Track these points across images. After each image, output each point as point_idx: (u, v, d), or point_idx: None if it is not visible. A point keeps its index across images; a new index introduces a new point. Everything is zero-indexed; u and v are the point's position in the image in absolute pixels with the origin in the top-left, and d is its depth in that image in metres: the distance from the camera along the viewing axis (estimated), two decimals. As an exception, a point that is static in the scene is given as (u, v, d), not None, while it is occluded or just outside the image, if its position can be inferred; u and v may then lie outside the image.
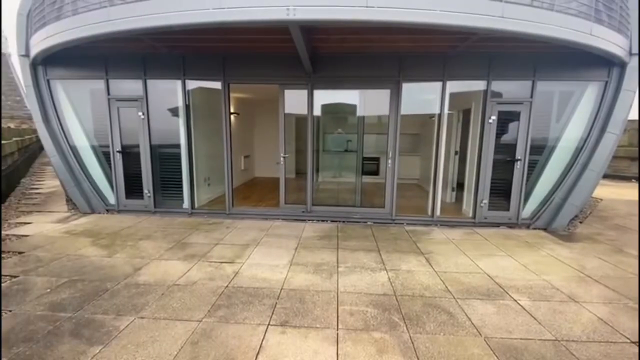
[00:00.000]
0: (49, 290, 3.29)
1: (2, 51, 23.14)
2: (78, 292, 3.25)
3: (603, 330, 2.76)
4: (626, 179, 11.22)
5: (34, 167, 12.67)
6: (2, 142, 7.58)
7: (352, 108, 6.30)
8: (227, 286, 3.41)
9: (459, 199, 6.85)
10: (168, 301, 3.10)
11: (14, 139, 10.28)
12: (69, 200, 6.60)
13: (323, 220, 6.00)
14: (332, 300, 3.15)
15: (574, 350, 2.49)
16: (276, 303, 3.08)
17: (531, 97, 5.42)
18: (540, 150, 5.66)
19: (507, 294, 3.36)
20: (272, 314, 2.90)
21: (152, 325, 2.72)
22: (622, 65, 5.08)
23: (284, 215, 6.11)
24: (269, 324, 2.75)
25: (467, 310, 3.03)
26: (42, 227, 5.32)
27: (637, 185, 10.11)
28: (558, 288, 3.50)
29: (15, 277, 3.58)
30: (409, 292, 3.34)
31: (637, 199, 8.01)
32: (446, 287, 3.49)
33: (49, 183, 9.02)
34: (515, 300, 3.21)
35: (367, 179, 6.58)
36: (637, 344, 2.58)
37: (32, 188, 8.53)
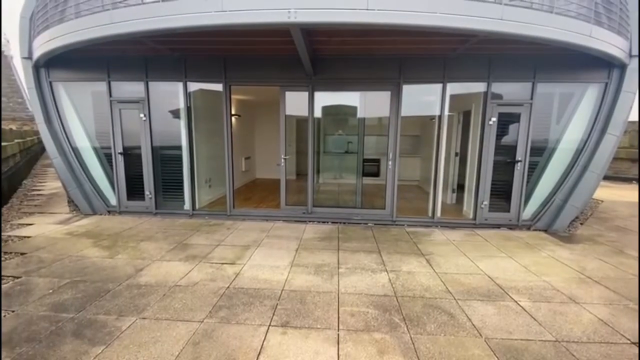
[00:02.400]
0: (51, 291, 3.31)
1: (4, 53, 23.27)
2: (80, 293, 3.26)
3: (603, 331, 2.76)
4: (627, 180, 11.21)
5: (35, 168, 12.72)
6: (4, 143, 7.62)
7: (353, 110, 6.33)
8: (228, 287, 3.42)
9: (459, 201, 6.86)
10: (169, 302, 3.11)
11: (16, 140, 10.34)
12: (70, 202, 6.63)
13: (324, 222, 6.01)
14: (333, 301, 3.17)
15: (575, 351, 2.50)
16: (277, 304, 3.09)
17: (531, 98, 5.44)
18: (541, 152, 5.67)
19: (508, 295, 3.36)
20: (273, 314, 2.91)
21: (153, 326, 2.73)
22: (622, 66, 5.09)
23: (284, 216, 6.12)
24: (270, 325, 2.76)
25: (468, 311, 3.03)
26: (44, 228, 5.34)
27: (637, 186, 10.09)
28: (558, 289, 3.50)
29: (17, 277, 3.60)
30: (409, 293, 3.35)
31: (637, 200, 8.00)
32: (447, 288, 3.49)
33: (51, 184, 9.06)
34: (516, 301, 3.22)
35: (368, 180, 6.59)
36: (638, 345, 2.58)
37: (34, 189, 8.57)
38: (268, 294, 3.28)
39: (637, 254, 4.56)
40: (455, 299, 3.26)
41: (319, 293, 3.32)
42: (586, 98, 5.48)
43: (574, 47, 4.25)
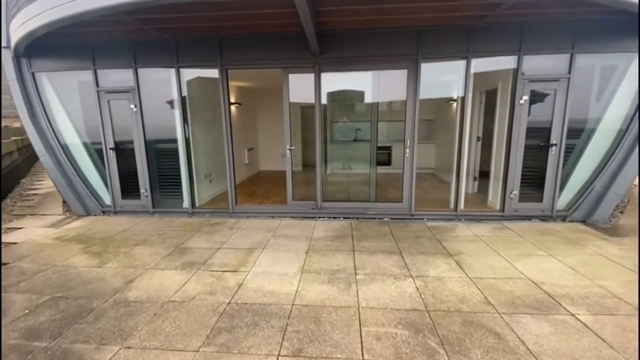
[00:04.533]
0: (27, 311, 2.87)
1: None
2: (59, 314, 2.82)
3: (693, 355, 2.22)
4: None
5: (36, 166, 12.34)
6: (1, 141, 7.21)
7: (365, 93, 5.71)
8: (229, 302, 2.94)
9: (482, 190, 6.26)
10: (160, 324, 2.64)
11: (12, 138, 9.96)
12: (65, 202, 6.21)
13: (335, 218, 5.49)
14: (353, 319, 2.66)
15: (665, 386, 1.97)
16: (287, 325, 2.60)
17: (569, 73, 4.76)
18: (578, 134, 5.01)
19: (561, 305, 2.82)
20: (283, 339, 2.42)
21: (139, 358, 2.26)
22: (677, 31, 4.38)
23: (292, 212, 5.61)
24: (279, 354, 2.27)
25: (517, 329, 2.50)
26: (32, 232, 4.93)
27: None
28: (620, 297, 2.95)
29: (-7, 294, 3.18)
30: (442, 307, 2.83)
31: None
32: (485, 297, 2.97)
33: (49, 183, 8.65)
34: (573, 315, 2.68)
35: (382, 170, 6.00)
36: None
37: (30, 188, 8.21)
38: (276, 311, 2.79)
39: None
40: (498, 312, 2.73)
41: (336, 308, 2.82)
42: (631, 71, 4.78)
43: (626, 7, 3.56)
